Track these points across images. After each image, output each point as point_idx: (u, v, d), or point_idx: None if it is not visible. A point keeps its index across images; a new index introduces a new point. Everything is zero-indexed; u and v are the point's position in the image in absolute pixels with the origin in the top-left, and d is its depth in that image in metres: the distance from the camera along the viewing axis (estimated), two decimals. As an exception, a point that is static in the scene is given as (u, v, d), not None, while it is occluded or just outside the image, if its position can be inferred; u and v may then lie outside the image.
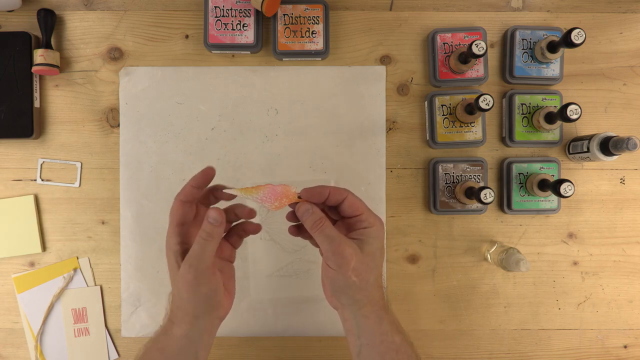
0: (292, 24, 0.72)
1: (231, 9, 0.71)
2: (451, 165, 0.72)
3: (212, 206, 0.53)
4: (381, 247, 0.54)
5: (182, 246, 0.52)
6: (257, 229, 0.57)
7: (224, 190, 0.53)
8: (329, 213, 0.56)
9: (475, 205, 0.72)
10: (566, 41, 0.64)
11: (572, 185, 0.64)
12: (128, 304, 0.73)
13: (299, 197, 0.53)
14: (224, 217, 0.50)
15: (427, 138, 0.74)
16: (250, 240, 0.73)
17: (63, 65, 0.74)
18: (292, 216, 0.55)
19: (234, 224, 0.57)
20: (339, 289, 0.53)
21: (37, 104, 0.72)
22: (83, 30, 0.74)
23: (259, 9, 0.69)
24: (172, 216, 0.53)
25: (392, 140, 0.74)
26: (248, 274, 0.73)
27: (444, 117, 0.72)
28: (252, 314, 0.73)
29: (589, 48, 0.74)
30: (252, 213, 0.55)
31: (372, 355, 0.53)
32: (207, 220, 0.49)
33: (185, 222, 0.53)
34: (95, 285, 0.73)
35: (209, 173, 0.52)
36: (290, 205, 0.53)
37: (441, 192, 0.72)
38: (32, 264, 0.73)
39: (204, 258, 0.50)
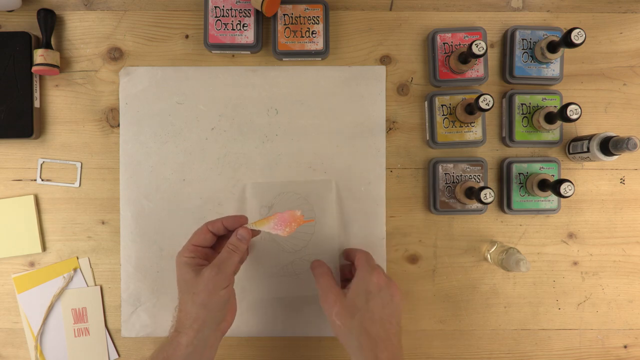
0: (292, 24, 0.72)
1: (231, 9, 0.71)
2: (451, 165, 0.72)
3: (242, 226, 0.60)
4: (364, 292, 0.58)
5: (193, 260, 0.58)
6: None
7: (244, 226, 0.60)
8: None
9: (475, 205, 0.72)
10: (566, 41, 0.64)
11: (572, 185, 0.64)
12: (128, 304, 0.73)
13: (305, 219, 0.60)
14: (250, 237, 0.59)
15: (427, 138, 0.74)
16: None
17: (63, 65, 0.74)
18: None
19: None
20: (334, 332, 0.59)
21: (37, 104, 0.72)
22: (83, 30, 0.74)
23: (259, 9, 0.69)
24: (194, 237, 0.60)
25: (392, 140, 0.74)
26: (248, 274, 0.73)
27: (444, 117, 0.72)
28: (252, 314, 0.73)
29: (589, 48, 0.74)
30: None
31: None
32: (235, 236, 0.58)
33: (202, 245, 0.60)
34: (95, 285, 0.73)
35: (242, 221, 0.60)
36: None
37: (441, 192, 0.72)
38: (32, 264, 0.73)
39: (229, 264, 0.57)
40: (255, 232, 0.61)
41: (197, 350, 0.55)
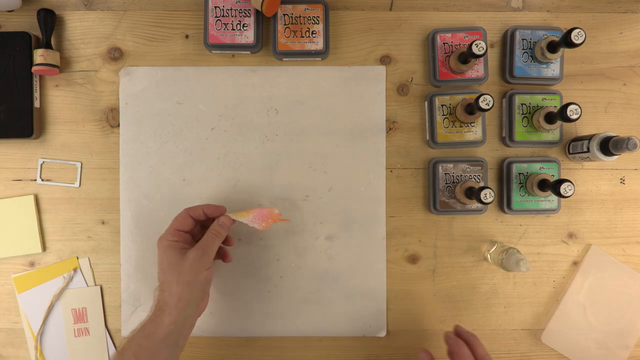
0: (292, 24, 0.72)
1: (231, 9, 0.71)
2: (451, 165, 0.72)
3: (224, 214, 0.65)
4: None
5: (177, 244, 0.62)
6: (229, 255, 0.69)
7: (226, 214, 0.65)
8: None
9: (475, 205, 0.72)
10: (566, 41, 0.64)
11: (572, 185, 0.64)
12: (128, 304, 0.73)
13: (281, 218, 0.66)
14: (231, 224, 0.64)
15: (427, 138, 0.74)
16: (250, 241, 0.73)
17: (63, 65, 0.74)
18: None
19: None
20: None
21: (37, 104, 0.72)
22: (83, 30, 0.74)
23: (259, 9, 0.69)
24: (176, 221, 0.64)
25: (392, 140, 0.74)
26: (248, 274, 0.73)
27: (444, 117, 0.72)
28: (252, 313, 0.73)
29: (589, 48, 0.74)
30: (231, 241, 0.69)
31: None
32: (217, 223, 0.63)
33: (183, 229, 0.63)
34: (95, 285, 0.73)
35: (221, 211, 0.65)
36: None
37: (441, 192, 0.72)
38: (32, 264, 0.73)
39: (212, 247, 0.62)
40: (233, 221, 0.65)
41: (177, 328, 0.59)
